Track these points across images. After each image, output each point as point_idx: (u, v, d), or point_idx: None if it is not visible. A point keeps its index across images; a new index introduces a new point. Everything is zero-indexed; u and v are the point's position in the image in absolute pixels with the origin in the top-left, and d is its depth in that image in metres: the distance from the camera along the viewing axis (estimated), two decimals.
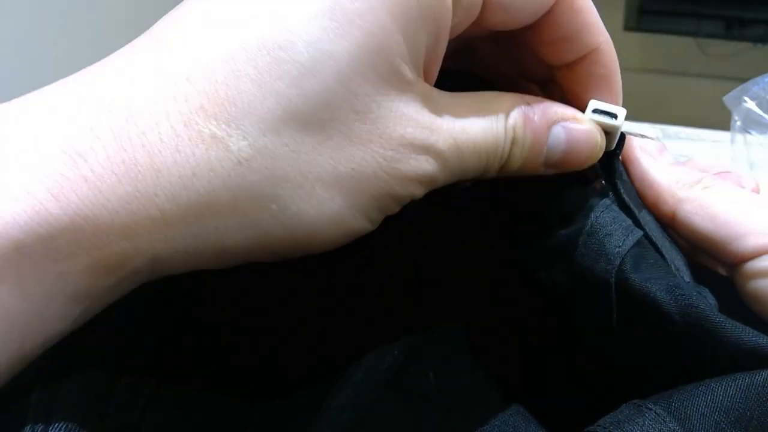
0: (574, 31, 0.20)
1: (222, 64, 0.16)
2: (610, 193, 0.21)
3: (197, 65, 0.16)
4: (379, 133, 0.17)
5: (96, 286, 0.16)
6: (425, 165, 0.18)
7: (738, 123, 0.53)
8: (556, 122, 0.20)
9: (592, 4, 0.20)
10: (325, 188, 0.17)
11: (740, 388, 0.17)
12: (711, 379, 0.18)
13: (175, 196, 0.16)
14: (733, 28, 1.61)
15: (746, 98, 0.53)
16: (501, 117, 0.19)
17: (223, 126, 0.16)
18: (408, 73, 0.18)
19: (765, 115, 0.52)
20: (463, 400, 0.23)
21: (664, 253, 0.20)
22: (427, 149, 0.18)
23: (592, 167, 0.21)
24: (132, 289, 0.17)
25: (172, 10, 0.18)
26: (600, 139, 0.21)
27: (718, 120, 0.63)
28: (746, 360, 0.18)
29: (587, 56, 0.21)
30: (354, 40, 0.16)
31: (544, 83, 0.23)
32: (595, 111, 0.21)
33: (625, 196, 0.21)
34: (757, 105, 0.52)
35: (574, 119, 0.20)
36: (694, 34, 1.61)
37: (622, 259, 0.19)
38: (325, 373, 0.23)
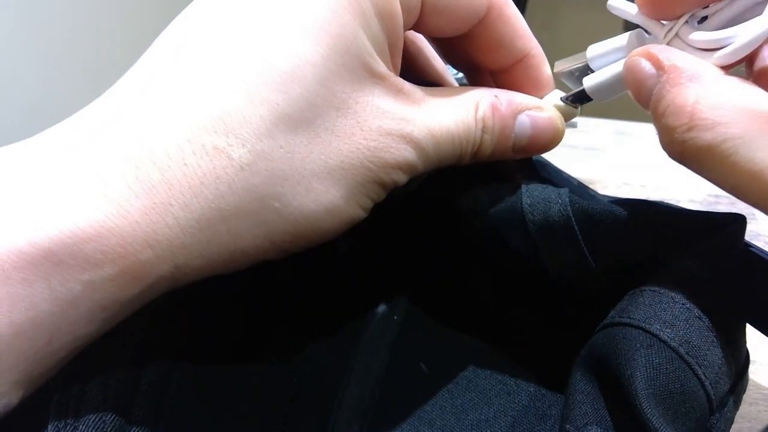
0: (506, 38, 0.22)
1: (213, 82, 0.18)
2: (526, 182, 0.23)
3: (192, 87, 0.18)
4: (360, 126, 0.19)
5: (122, 294, 0.17)
6: (405, 153, 0.20)
7: None
8: (521, 111, 0.22)
9: (519, 14, 0.23)
10: (320, 182, 0.19)
11: (708, 252, 0.19)
12: (680, 255, 0.19)
13: (187, 204, 0.17)
14: None
15: None
16: (471, 108, 0.22)
17: (223, 137, 0.17)
18: (377, 67, 0.20)
19: None
20: (459, 382, 0.24)
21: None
22: (404, 138, 0.20)
23: (510, 167, 0.23)
24: (154, 297, 0.18)
25: (161, 34, 0.20)
26: (561, 124, 0.23)
27: None
28: (702, 235, 0.20)
29: (521, 62, 0.23)
30: (325, 44, 0.18)
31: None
32: (562, 99, 0.23)
33: (543, 174, 0.23)
34: None
35: (537, 108, 0.23)
36: None
37: (568, 197, 0.21)
38: (318, 373, 0.23)
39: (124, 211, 0.17)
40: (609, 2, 0.22)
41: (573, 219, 0.21)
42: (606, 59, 0.22)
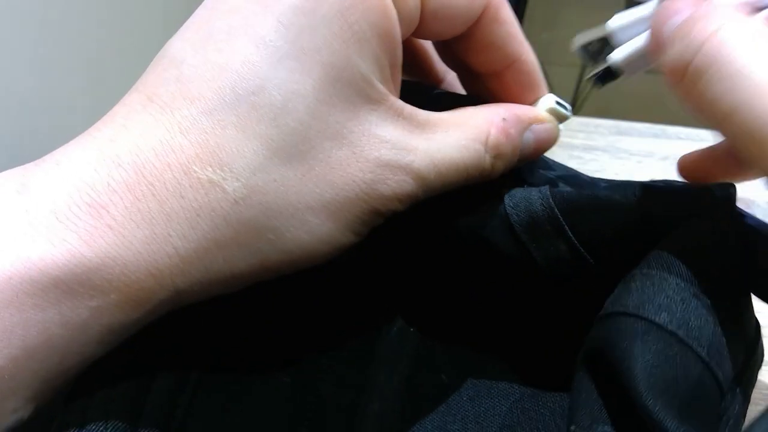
0: (499, 40, 0.22)
1: (206, 115, 0.18)
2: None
3: (186, 119, 0.18)
4: (356, 157, 0.19)
5: (127, 318, 0.18)
6: (403, 185, 0.20)
7: None
8: (526, 128, 0.22)
9: (513, 17, 0.22)
10: (315, 215, 0.19)
11: (700, 225, 0.19)
12: (671, 232, 0.19)
13: (185, 235, 0.18)
14: None
15: None
16: (482, 135, 0.21)
17: (218, 171, 0.18)
18: (373, 91, 0.19)
19: None
20: (479, 389, 0.24)
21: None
22: (404, 169, 0.20)
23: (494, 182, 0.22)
24: (158, 316, 0.19)
25: (153, 62, 0.20)
26: (558, 131, 0.23)
27: None
28: (693, 208, 0.19)
29: (513, 65, 0.23)
30: (317, 75, 0.18)
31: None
32: (557, 103, 0.23)
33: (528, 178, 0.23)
34: None
35: (537, 120, 0.23)
36: None
37: (549, 191, 0.21)
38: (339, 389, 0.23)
39: (128, 242, 0.17)
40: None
41: (557, 210, 0.20)
42: (630, 31, 0.21)
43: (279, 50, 0.18)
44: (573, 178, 0.24)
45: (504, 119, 0.22)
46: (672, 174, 0.27)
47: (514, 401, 0.23)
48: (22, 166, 0.18)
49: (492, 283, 0.24)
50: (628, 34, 0.21)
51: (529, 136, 0.22)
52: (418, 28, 0.21)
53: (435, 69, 0.26)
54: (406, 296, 0.25)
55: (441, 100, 0.24)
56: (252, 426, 0.21)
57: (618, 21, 0.22)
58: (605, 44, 0.22)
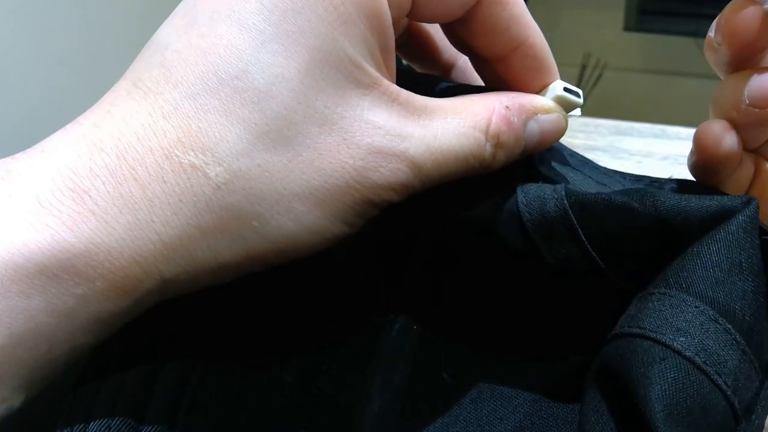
0: (503, 23, 0.21)
1: (189, 100, 0.18)
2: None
3: (168, 104, 0.18)
4: (347, 144, 0.18)
5: (115, 307, 0.18)
6: (398, 173, 0.19)
7: None
8: (531, 118, 0.21)
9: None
10: (302, 202, 0.18)
11: (721, 242, 0.18)
12: (690, 247, 0.18)
13: (168, 221, 0.17)
14: None
15: None
16: (481, 123, 0.20)
17: (200, 155, 0.18)
18: (364, 76, 0.19)
19: None
20: (483, 391, 0.23)
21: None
22: (398, 157, 0.19)
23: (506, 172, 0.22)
24: (147, 307, 0.19)
25: (142, 51, 0.19)
26: (565, 122, 0.22)
27: None
28: (712, 222, 0.18)
29: (519, 48, 0.22)
30: (301, 58, 0.18)
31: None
32: (565, 90, 0.22)
33: (543, 171, 0.22)
34: None
35: (543, 109, 0.22)
36: (694, 34, 1.60)
37: (564, 190, 0.20)
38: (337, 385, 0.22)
39: (110, 228, 0.17)
40: None
41: (570, 212, 0.20)
42: None
43: (262, 33, 0.18)
44: (590, 170, 0.23)
45: (507, 107, 0.21)
46: (672, 169, 0.27)
47: (517, 405, 0.22)
48: (10, 156, 0.18)
49: (498, 280, 0.24)
50: None
51: (534, 127, 0.21)
52: (413, 10, 0.20)
53: (443, 53, 0.25)
54: (409, 293, 0.25)
55: (446, 91, 0.23)
56: (254, 424, 0.21)
57: None
58: None
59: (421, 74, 0.26)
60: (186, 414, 0.20)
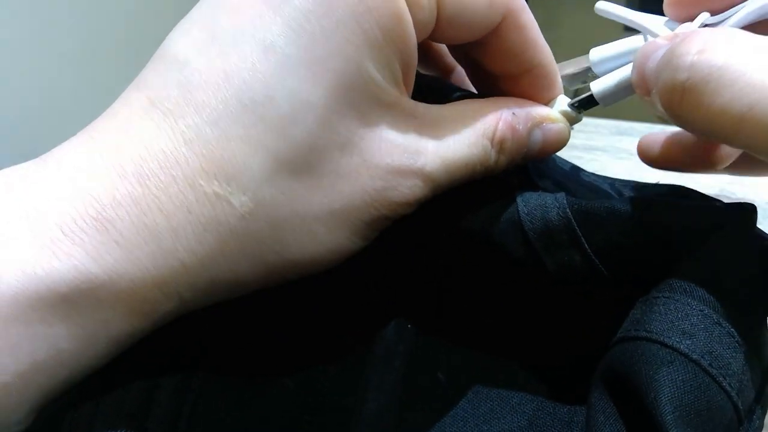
0: (518, 47, 0.21)
1: (211, 126, 0.17)
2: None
3: (190, 129, 0.17)
4: (366, 165, 0.19)
5: (133, 328, 0.18)
6: (414, 189, 0.19)
7: None
8: (536, 126, 0.22)
9: (535, 22, 0.21)
10: (323, 224, 0.19)
11: (721, 248, 0.18)
12: (692, 253, 0.19)
13: (192, 249, 0.17)
14: None
15: None
16: (489, 129, 0.21)
17: (224, 184, 0.17)
18: (385, 95, 0.19)
19: None
20: (479, 391, 0.23)
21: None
22: (415, 174, 0.19)
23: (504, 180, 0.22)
24: (163, 324, 0.19)
25: (154, 58, 0.19)
26: (568, 133, 0.23)
27: None
28: (712, 229, 0.19)
29: (531, 71, 0.22)
30: (328, 83, 0.18)
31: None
32: (570, 106, 0.22)
33: (538, 182, 0.23)
34: None
35: (549, 119, 0.22)
36: None
37: (566, 199, 0.21)
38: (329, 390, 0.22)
39: (135, 257, 0.17)
40: (597, 6, 0.22)
41: (574, 221, 0.20)
42: (611, 64, 0.22)
43: (289, 58, 0.17)
44: (582, 176, 0.23)
45: (513, 114, 0.21)
46: (672, 175, 0.27)
47: (515, 405, 0.22)
48: (20, 166, 0.18)
49: (497, 284, 0.24)
50: (607, 67, 0.22)
51: (538, 135, 0.22)
52: (434, 32, 0.20)
53: (444, 63, 0.25)
54: (407, 294, 0.25)
55: (455, 94, 0.23)
56: (255, 429, 0.21)
57: (598, 54, 0.22)
58: (588, 71, 0.22)
59: (427, 76, 0.25)
60: (187, 421, 0.20)
